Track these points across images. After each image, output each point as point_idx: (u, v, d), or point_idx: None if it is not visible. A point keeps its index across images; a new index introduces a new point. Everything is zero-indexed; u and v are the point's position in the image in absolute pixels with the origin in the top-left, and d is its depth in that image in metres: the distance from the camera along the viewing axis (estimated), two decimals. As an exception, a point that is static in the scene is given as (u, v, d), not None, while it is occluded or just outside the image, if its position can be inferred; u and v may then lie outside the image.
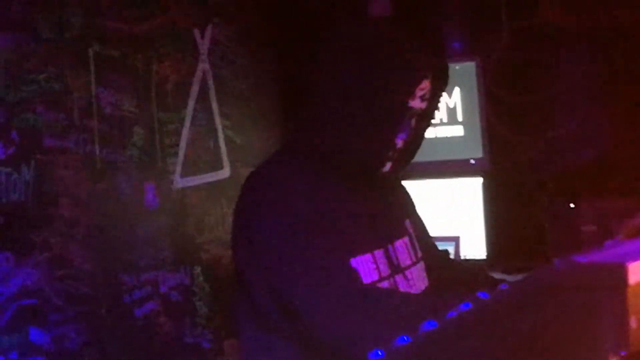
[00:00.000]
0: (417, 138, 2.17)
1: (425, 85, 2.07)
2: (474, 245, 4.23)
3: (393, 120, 2.04)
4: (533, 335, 1.11)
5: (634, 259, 1.13)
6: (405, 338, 1.25)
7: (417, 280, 2.19)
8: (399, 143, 2.08)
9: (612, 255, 1.20)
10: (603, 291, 1.11)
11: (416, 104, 2.07)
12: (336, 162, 2.07)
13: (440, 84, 2.15)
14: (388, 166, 2.11)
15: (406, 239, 2.22)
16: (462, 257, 4.19)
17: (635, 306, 1.11)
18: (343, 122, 2.02)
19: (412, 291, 2.15)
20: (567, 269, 1.14)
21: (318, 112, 2.08)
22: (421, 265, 2.25)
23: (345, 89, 2.02)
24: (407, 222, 2.30)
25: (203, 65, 4.22)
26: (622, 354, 1.11)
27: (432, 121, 2.20)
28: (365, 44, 2.04)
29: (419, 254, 2.26)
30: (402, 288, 2.12)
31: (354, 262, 2.01)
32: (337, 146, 2.05)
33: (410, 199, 2.44)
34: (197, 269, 4.08)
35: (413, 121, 2.10)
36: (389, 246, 2.14)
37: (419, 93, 2.06)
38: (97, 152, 3.54)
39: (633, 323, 1.11)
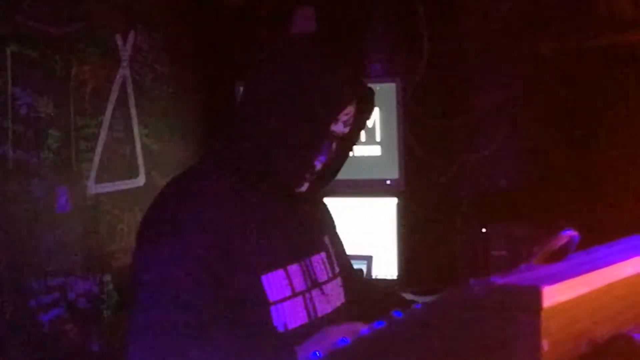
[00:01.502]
0: (337, 161, 2.18)
1: (350, 110, 2.08)
2: (386, 265, 4.26)
3: (314, 144, 2.04)
4: (447, 355, 1.12)
5: (549, 283, 1.14)
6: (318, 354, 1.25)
7: (333, 296, 2.20)
8: (318, 165, 2.09)
9: (527, 278, 1.22)
10: (517, 313, 1.12)
11: (339, 128, 2.08)
12: (254, 178, 2.07)
13: (366, 110, 2.16)
14: (305, 186, 2.12)
15: (323, 254, 2.23)
16: (374, 277, 4.20)
17: (547, 329, 1.13)
18: (263, 140, 2.02)
19: (329, 306, 2.16)
20: (482, 290, 1.15)
21: (240, 127, 2.08)
22: (338, 281, 2.26)
23: (269, 109, 2.02)
24: (326, 238, 2.31)
25: (123, 71, 4.17)
26: (533, 376, 1.13)
27: (354, 145, 2.21)
28: (290, 66, 2.04)
29: (337, 270, 2.27)
30: (319, 303, 2.12)
31: (264, 278, 2.00)
32: (255, 163, 2.05)
33: (331, 216, 2.44)
34: (107, 277, 4.02)
35: (334, 144, 2.11)
36: (306, 260, 2.14)
37: (342, 118, 2.07)
38: (10, 153, 3.47)
39: (545, 346, 1.13)
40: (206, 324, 1.90)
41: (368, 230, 4.32)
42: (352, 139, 2.18)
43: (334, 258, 2.28)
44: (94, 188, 3.95)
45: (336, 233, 2.43)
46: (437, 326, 1.16)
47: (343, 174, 2.25)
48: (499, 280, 1.15)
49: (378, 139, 4.37)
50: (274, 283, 2.02)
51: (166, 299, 1.89)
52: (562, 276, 1.20)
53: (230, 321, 1.96)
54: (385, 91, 4.30)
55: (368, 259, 4.20)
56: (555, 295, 1.14)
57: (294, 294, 2.06)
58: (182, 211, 1.99)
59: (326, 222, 2.40)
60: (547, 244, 1.48)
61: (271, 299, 2.01)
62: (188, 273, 1.91)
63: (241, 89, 2.19)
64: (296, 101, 1.99)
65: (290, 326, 2.03)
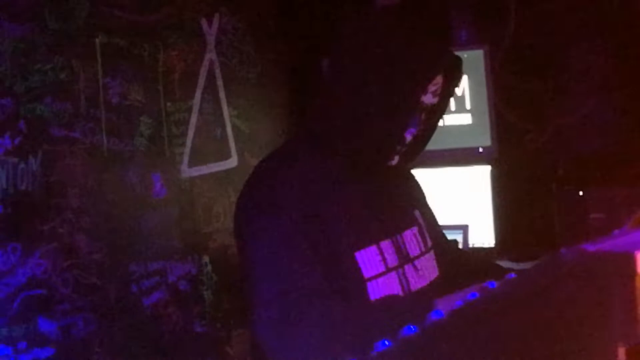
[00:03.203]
0: (426, 132, 2.16)
1: (439, 80, 2.06)
2: (482, 234, 4.22)
3: (404, 115, 2.03)
4: (540, 325, 1.11)
5: (643, 248, 1.12)
6: (387, 342, 1.25)
7: (426, 270, 2.18)
8: (408, 137, 2.08)
9: (620, 244, 1.19)
10: (611, 280, 1.10)
11: (428, 99, 2.06)
12: (345, 154, 2.06)
13: (454, 80, 2.14)
14: (396, 159, 2.11)
15: (415, 228, 2.21)
16: (470, 246, 4.18)
17: (644, 295, 1.11)
18: (353, 115, 2.01)
19: (423, 280, 2.15)
20: (575, 258, 1.13)
21: (329, 104, 2.08)
22: (431, 254, 2.24)
23: (357, 84, 2.01)
24: (417, 212, 2.29)
25: (210, 55, 4.21)
26: (631, 343, 1.11)
27: (442, 115, 2.20)
28: (377, 40, 2.03)
29: (429, 244, 2.26)
30: (412, 278, 2.11)
31: (358, 255, 2.01)
32: (346, 138, 2.04)
33: (421, 189, 2.43)
34: (205, 259, 4.08)
35: (423, 115, 2.10)
36: (397, 236, 2.13)
37: (431, 89, 2.05)
38: (104, 142, 3.53)
39: (642, 312, 1.11)
40: (317, 291, 1.93)
41: (462, 199, 4.29)
42: (440, 109, 2.16)
43: (425, 232, 2.27)
44: (187, 172, 4.00)
45: (427, 205, 2.42)
46: (529, 298, 1.14)
47: (434, 144, 2.23)
48: (591, 247, 1.13)
49: (468, 107, 4.32)
50: (368, 259, 2.02)
51: (279, 272, 1.93)
52: (657, 240, 1.18)
53: (333, 295, 1.97)
54: (473, 58, 4.25)
55: (464, 229, 4.17)
56: (650, 260, 1.12)
57: (388, 270, 2.06)
58: (277, 190, 2.00)
59: (416, 195, 2.39)
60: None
61: (366, 275, 2.01)
62: (294, 246, 1.94)
63: (327, 64, 2.18)
64: (384, 75, 1.98)
65: (387, 297, 2.03)
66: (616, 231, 1.33)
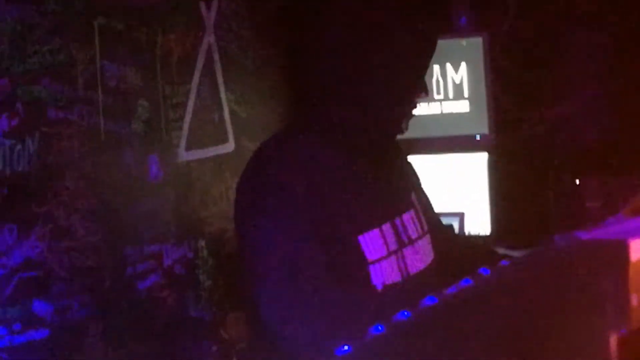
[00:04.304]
0: None
1: None
2: (478, 221, 4.23)
3: (412, 87, 2.08)
4: (532, 312, 1.11)
5: (636, 236, 1.12)
6: (380, 327, 1.25)
7: (424, 253, 2.20)
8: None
9: (613, 232, 1.20)
10: (604, 268, 1.10)
11: None
12: (347, 134, 2.07)
13: None
14: (406, 125, 2.14)
15: (412, 212, 2.22)
16: (466, 233, 4.18)
17: (636, 283, 1.11)
18: (364, 93, 2.03)
19: (421, 264, 2.16)
20: (568, 246, 1.13)
21: (331, 85, 2.08)
22: (427, 238, 2.26)
23: (360, 63, 2.02)
24: (413, 195, 2.30)
25: (209, 39, 4.20)
26: (623, 331, 1.11)
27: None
28: (377, 15, 2.04)
29: (425, 227, 2.27)
30: (411, 260, 2.13)
31: (362, 239, 2.02)
32: (348, 117, 2.05)
33: (416, 174, 2.44)
34: (201, 242, 4.08)
35: None
36: (397, 219, 2.14)
37: None
38: (102, 124, 3.53)
39: (634, 300, 1.11)
40: (321, 279, 1.93)
41: (459, 186, 4.29)
42: None
43: (421, 215, 2.28)
44: (184, 155, 4.00)
45: (422, 189, 2.43)
46: (522, 284, 1.14)
47: (433, 131, 2.27)
48: (584, 235, 1.13)
49: (466, 94, 4.31)
50: (371, 243, 2.04)
51: (284, 256, 1.93)
52: (651, 229, 1.18)
53: (337, 279, 1.98)
54: (471, 45, 4.24)
55: (460, 216, 4.17)
56: (643, 248, 1.12)
57: (389, 254, 2.07)
58: (280, 173, 2.00)
59: (412, 179, 2.40)
60: (636, 196, 1.45)
61: (369, 258, 2.02)
62: (296, 232, 1.95)
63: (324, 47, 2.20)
64: (390, 53, 2.02)
65: (387, 285, 2.04)
66: (610, 219, 1.33)
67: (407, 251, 2.13)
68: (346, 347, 1.29)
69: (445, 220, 2.57)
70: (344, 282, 1.99)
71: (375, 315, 1.89)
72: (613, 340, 1.10)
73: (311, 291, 1.90)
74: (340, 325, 1.85)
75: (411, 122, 2.14)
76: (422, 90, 2.11)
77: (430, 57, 2.09)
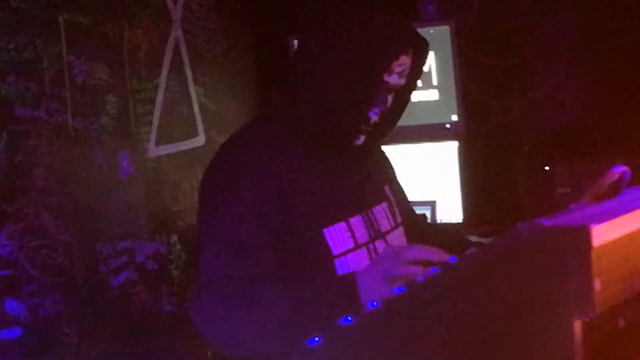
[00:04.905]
0: (394, 113, 2.16)
1: (405, 61, 2.06)
2: (450, 209, 4.24)
3: (367, 94, 2.03)
4: (497, 299, 1.12)
5: (598, 222, 1.13)
6: (350, 318, 1.25)
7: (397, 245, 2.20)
8: (374, 117, 2.08)
9: (576, 218, 1.20)
10: (567, 254, 1.11)
11: (393, 79, 2.06)
12: (310, 131, 2.07)
13: (419, 60, 2.14)
14: (362, 139, 2.11)
15: (385, 204, 2.23)
16: (438, 221, 4.19)
17: (599, 269, 1.12)
18: (317, 94, 2.02)
19: None
20: (530, 233, 1.14)
21: (294, 82, 2.08)
22: (400, 230, 2.26)
23: (321, 62, 2.02)
24: (387, 188, 2.30)
25: (176, 33, 4.19)
26: (586, 317, 1.12)
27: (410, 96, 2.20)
28: (340, 18, 2.03)
29: (398, 220, 2.27)
30: None
31: (326, 232, 2.02)
32: (310, 117, 2.05)
33: (390, 165, 2.44)
34: (174, 237, 4.07)
35: (390, 97, 2.10)
36: (368, 212, 2.14)
37: (396, 69, 2.05)
38: (70, 121, 3.51)
39: (597, 286, 1.12)
40: (267, 274, 1.93)
41: (430, 175, 4.30)
42: (408, 90, 2.16)
43: (395, 208, 2.28)
44: (154, 151, 3.99)
45: (397, 182, 2.43)
46: (486, 272, 1.15)
47: (402, 120, 2.24)
48: (546, 222, 1.14)
49: (435, 82, 4.32)
50: (336, 236, 2.04)
51: (227, 252, 1.94)
52: (612, 214, 1.18)
53: (294, 272, 1.98)
54: (439, 34, 4.25)
55: (432, 204, 4.18)
56: (605, 233, 1.12)
57: (357, 246, 2.07)
58: (238, 167, 2.02)
59: (386, 172, 2.40)
60: (598, 182, 1.46)
61: (334, 252, 2.02)
62: (246, 225, 1.95)
63: (295, 42, 2.19)
64: (346, 53, 1.99)
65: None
66: (573, 205, 1.34)
67: (379, 243, 2.14)
68: (317, 338, 1.30)
69: (417, 209, 2.57)
70: (305, 274, 1.99)
71: (340, 299, 1.90)
72: (577, 326, 1.11)
73: (249, 290, 1.91)
74: (273, 327, 1.87)
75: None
76: (380, 104, 2.08)
77: (390, 57, 2.06)
